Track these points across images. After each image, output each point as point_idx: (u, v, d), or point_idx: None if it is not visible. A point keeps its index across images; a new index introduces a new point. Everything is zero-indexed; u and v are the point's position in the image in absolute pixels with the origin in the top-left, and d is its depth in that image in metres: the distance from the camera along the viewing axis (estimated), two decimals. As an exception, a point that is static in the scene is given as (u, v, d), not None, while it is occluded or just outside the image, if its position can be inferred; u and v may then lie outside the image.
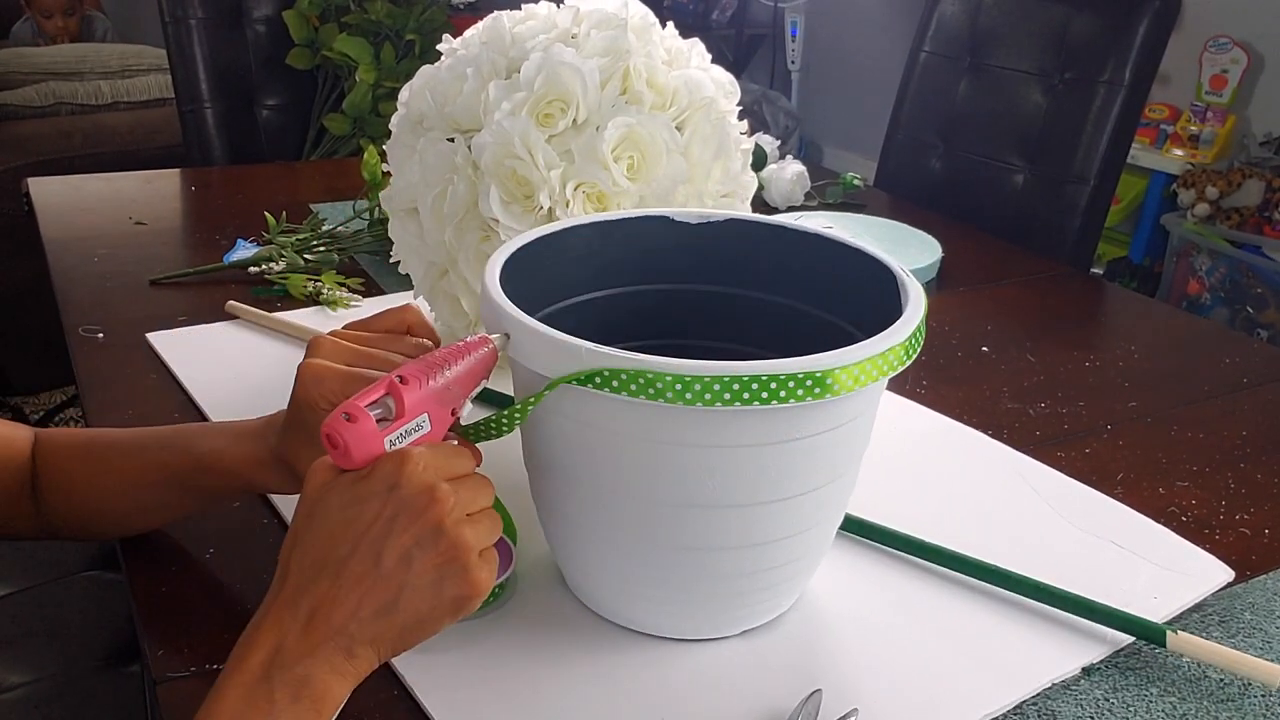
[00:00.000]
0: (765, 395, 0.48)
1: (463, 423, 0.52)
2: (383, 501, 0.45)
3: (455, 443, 0.50)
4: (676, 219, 0.67)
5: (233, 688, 0.44)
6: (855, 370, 0.49)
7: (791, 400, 0.48)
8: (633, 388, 0.48)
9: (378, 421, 0.46)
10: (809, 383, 0.48)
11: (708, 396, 0.47)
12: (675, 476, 0.52)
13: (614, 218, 0.66)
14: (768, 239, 0.66)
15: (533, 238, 0.62)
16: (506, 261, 0.59)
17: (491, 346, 0.51)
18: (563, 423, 0.53)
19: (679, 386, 0.47)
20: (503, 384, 0.77)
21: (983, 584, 0.65)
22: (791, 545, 0.56)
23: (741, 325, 0.67)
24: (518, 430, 0.53)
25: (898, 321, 0.53)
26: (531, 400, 0.50)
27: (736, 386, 0.47)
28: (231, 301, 0.97)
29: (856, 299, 0.62)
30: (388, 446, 0.47)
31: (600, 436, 0.52)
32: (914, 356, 0.53)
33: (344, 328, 0.58)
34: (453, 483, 0.47)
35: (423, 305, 0.84)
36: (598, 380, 0.48)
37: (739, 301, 0.67)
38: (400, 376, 0.47)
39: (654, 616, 0.59)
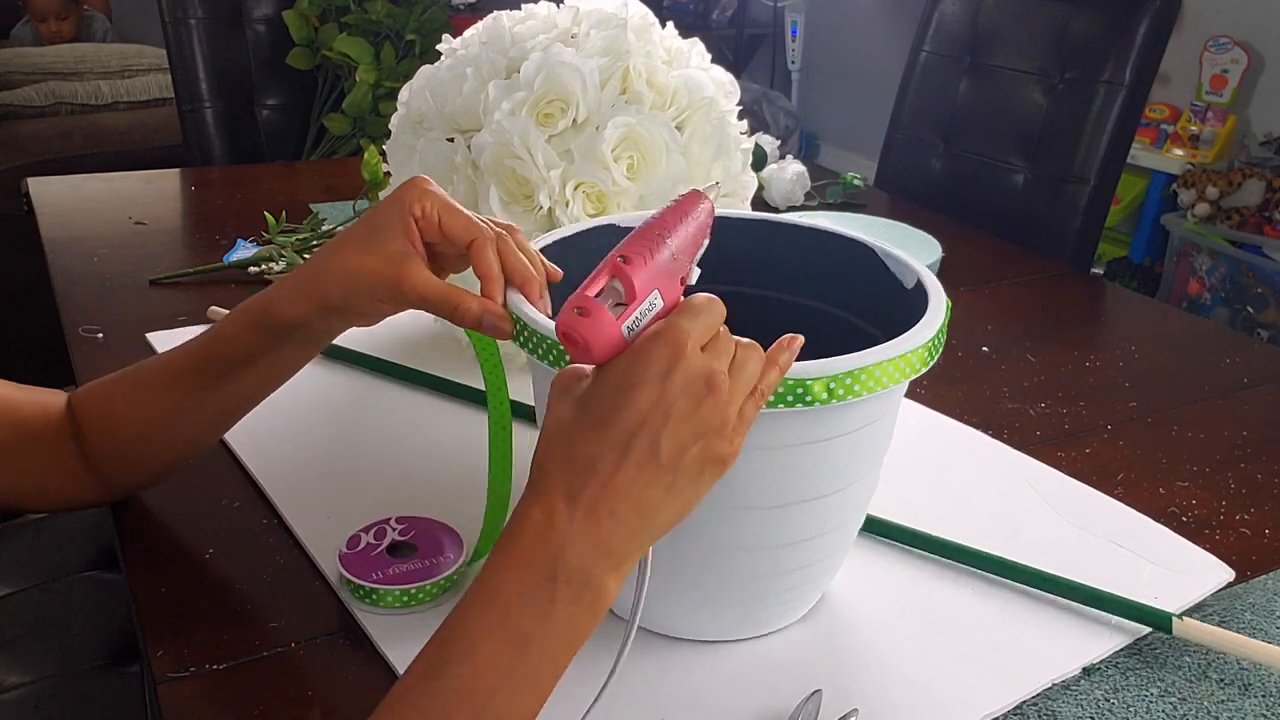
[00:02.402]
0: (791, 399, 0.48)
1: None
2: (657, 390, 0.43)
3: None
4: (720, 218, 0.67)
5: (510, 583, 0.43)
6: (878, 372, 0.49)
7: (831, 401, 0.48)
8: None
9: (611, 308, 0.44)
10: (848, 380, 0.48)
11: None
12: None
13: (638, 220, 0.65)
14: (787, 239, 0.66)
15: (558, 237, 0.62)
16: (544, 248, 0.59)
17: (709, 202, 0.49)
18: None
19: None
20: (518, 389, 0.78)
21: (983, 582, 0.65)
22: (813, 547, 0.56)
23: (763, 326, 0.67)
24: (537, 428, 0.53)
25: (920, 322, 0.53)
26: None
27: (779, 388, 0.47)
28: (213, 307, 0.96)
29: (877, 299, 0.62)
30: (626, 334, 0.44)
31: None
32: (936, 358, 0.53)
33: None
34: (719, 357, 0.45)
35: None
36: None
37: (761, 302, 0.67)
38: (623, 256, 0.45)
39: (676, 618, 0.59)
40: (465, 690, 0.42)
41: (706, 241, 0.49)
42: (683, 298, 0.46)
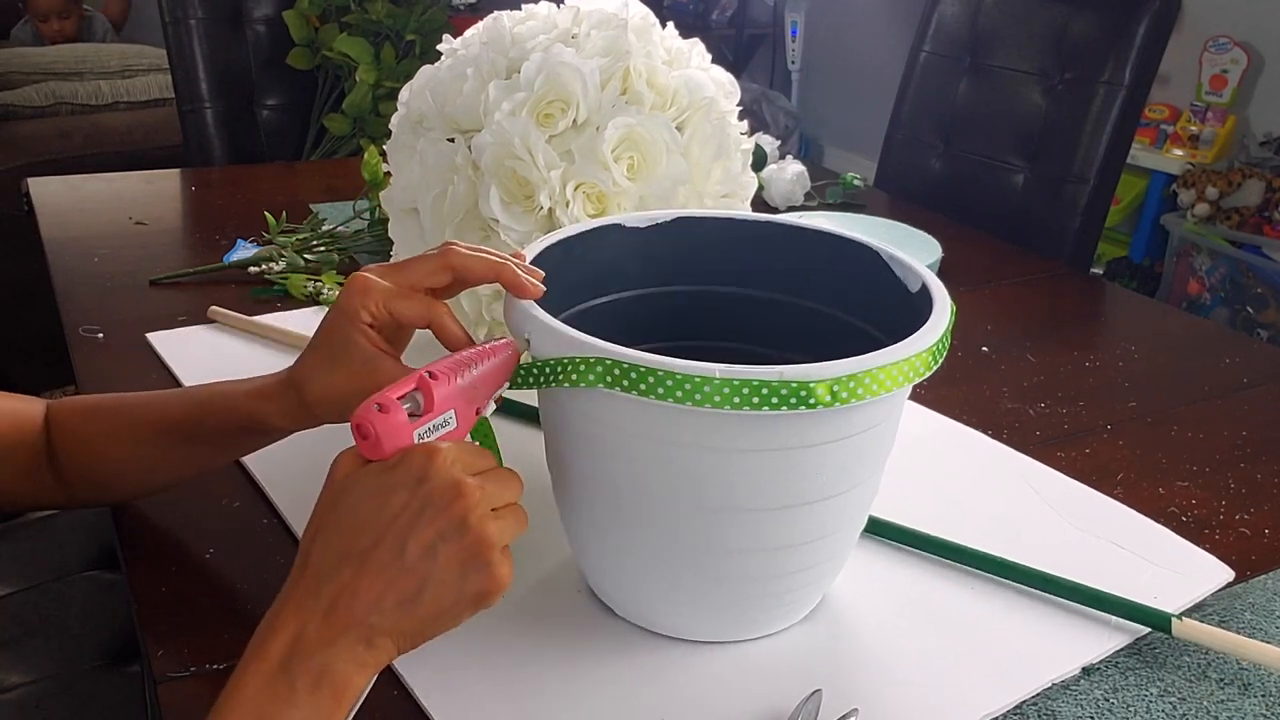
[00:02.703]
0: (794, 401, 0.48)
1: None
2: (410, 493, 0.46)
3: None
4: (705, 219, 0.67)
5: (252, 675, 0.44)
6: (881, 375, 0.49)
7: (834, 404, 0.48)
8: (641, 387, 0.48)
9: (408, 415, 0.47)
10: (852, 384, 0.48)
11: (736, 400, 0.47)
12: (695, 480, 0.52)
13: (645, 220, 0.66)
14: (793, 241, 0.66)
15: (563, 236, 0.62)
16: (546, 250, 0.59)
17: (515, 350, 0.53)
18: (584, 425, 0.53)
19: (688, 386, 0.47)
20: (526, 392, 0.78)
21: (983, 582, 0.65)
22: (815, 550, 0.56)
23: (769, 329, 0.67)
24: (541, 432, 0.53)
25: (924, 327, 0.53)
26: (549, 366, 0.51)
27: (764, 391, 0.47)
28: (214, 306, 0.96)
29: (881, 302, 0.61)
30: (416, 440, 0.47)
31: (620, 439, 0.52)
32: (940, 362, 0.52)
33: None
34: (479, 477, 0.47)
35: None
36: (600, 372, 0.48)
37: (767, 305, 0.67)
38: (430, 372, 0.48)
39: (677, 619, 0.59)
40: None
41: (505, 386, 0.53)
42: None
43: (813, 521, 0.54)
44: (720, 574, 0.55)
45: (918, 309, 0.57)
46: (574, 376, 0.49)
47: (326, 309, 0.98)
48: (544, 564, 0.64)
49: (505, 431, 0.73)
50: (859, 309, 0.64)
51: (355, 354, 0.55)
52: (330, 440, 0.77)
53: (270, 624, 0.46)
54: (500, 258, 0.55)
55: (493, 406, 0.52)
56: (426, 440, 0.48)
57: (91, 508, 0.70)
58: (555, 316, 0.52)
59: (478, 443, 0.52)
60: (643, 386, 0.48)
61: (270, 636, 0.45)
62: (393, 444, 0.47)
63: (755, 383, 0.47)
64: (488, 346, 0.52)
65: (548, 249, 0.60)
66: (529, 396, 0.66)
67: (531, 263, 0.58)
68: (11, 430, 0.64)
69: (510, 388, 0.53)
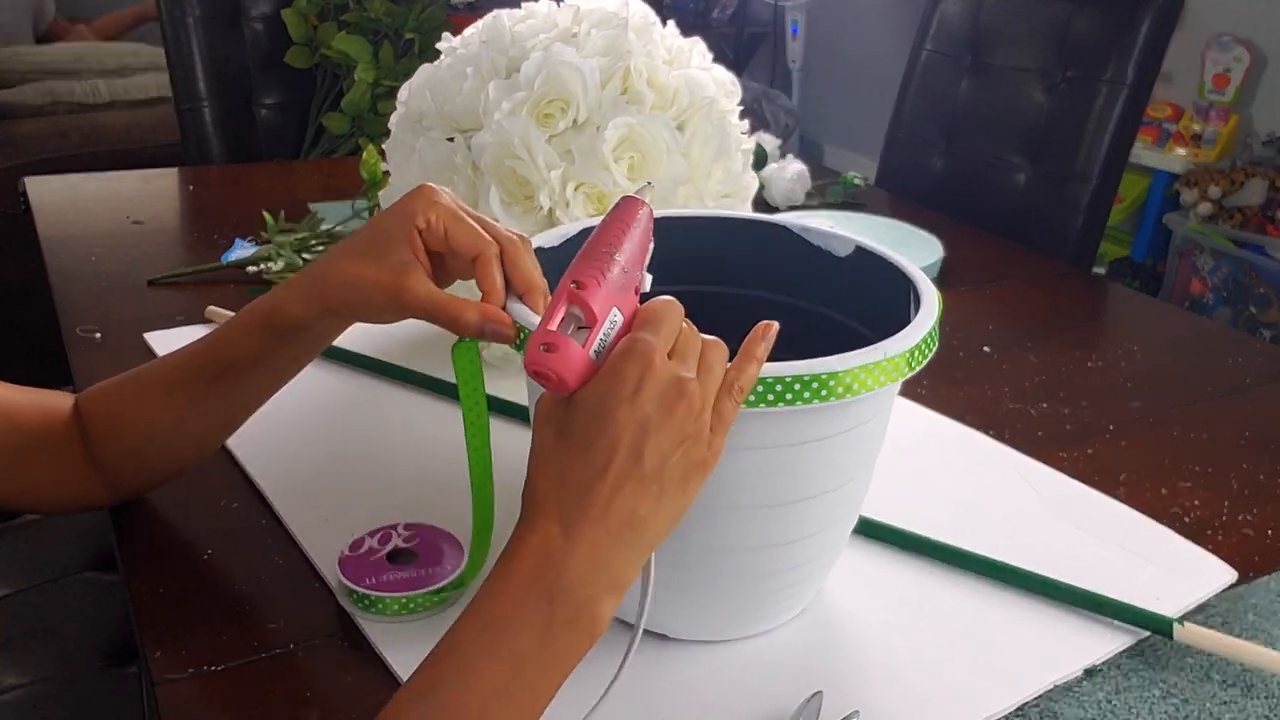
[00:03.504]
0: (771, 397, 0.48)
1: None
2: (630, 406, 0.44)
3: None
4: (697, 219, 0.66)
5: (504, 603, 0.43)
6: (862, 373, 0.49)
7: (798, 403, 0.48)
8: None
9: (574, 334, 0.45)
10: (815, 385, 0.48)
11: None
12: None
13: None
14: (788, 242, 0.66)
15: (570, 234, 0.62)
16: (542, 250, 0.59)
17: (647, 206, 0.50)
18: None
19: None
20: (509, 389, 0.77)
21: (984, 584, 0.65)
22: (806, 546, 0.56)
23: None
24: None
25: (909, 326, 0.53)
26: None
27: (759, 388, 0.47)
28: (211, 306, 0.96)
29: (873, 303, 0.61)
30: (594, 357, 0.45)
31: None
32: (925, 362, 0.53)
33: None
34: (683, 361, 0.46)
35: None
36: None
37: (760, 304, 0.67)
38: (576, 281, 0.46)
39: (670, 618, 0.59)
40: (458, 707, 0.42)
41: (652, 245, 0.50)
42: (641, 304, 0.47)
43: (805, 518, 0.54)
44: (712, 572, 0.55)
45: (907, 308, 0.56)
46: None
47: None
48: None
49: (505, 431, 0.73)
50: (855, 309, 0.64)
51: (392, 250, 0.54)
52: (331, 444, 0.77)
53: (519, 553, 0.44)
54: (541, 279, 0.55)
55: (649, 279, 0.49)
56: (603, 350, 0.46)
57: (137, 495, 0.68)
58: None
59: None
60: None
61: (526, 567, 0.44)
62: (575, 375, 0.45)
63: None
64: (613, 215, 0.48)
65: (539, 249, 0.60)
66: (520, 396, 0.66)
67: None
68: (40, 421, 0.63)
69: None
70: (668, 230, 0.66)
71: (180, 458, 0.66)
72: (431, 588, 0.60)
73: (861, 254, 0.63)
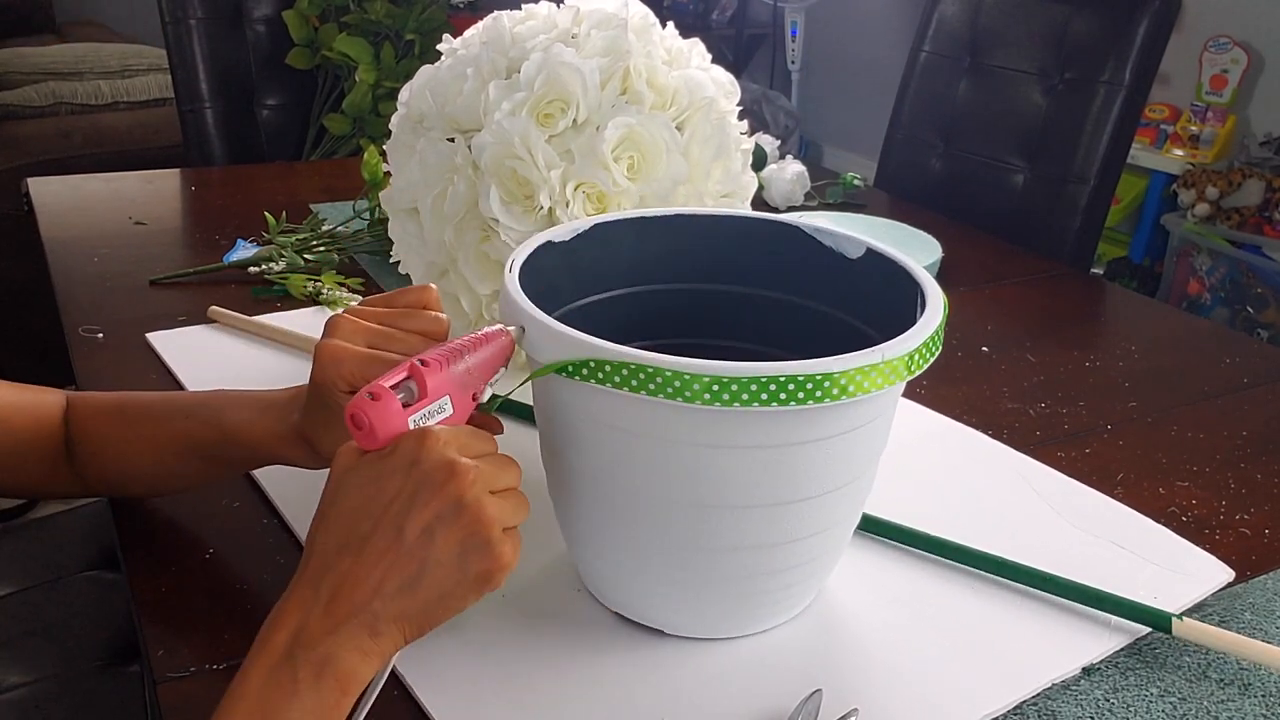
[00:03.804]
0: (765, 396, 0.48)
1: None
2: (404, 477, 0.46)
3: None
4: (709, 217, 0.67)
5: (256, 669, 0.44)
6: (859, 375, 0.49)
7: (792, 402, 0.48)
8: (634, 383, 0.48)
9: (402, 404, 0.47)
10: (809, 385, 0.48)
11: (725, 397, 0.47)
12: (688, 476, 0.52)
13: (649, 215, 0.66)
14: (793, 241, 0.66)
15: (567, 231, 0.63)
16: (537, 250, 0.60)
17: (509, 336, 0.53)
18: (576, 420, 0.53)
19: (678, 384, 0.47)
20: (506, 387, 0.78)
21: (983, 582, 0.65)
22: (808, 546, 0.56)
23: (768, 327, 0.67)
24: (534, 429, 0.53)
25: (914, 326, 0.53)
26: (529, 377, 0.52)
27: (754, 387, 0.47)
28: (214, 306, 0.96)
29: (878, 302, 0.62)
30: (411, 426, 0.47)
31: (615, 436, 0.52)
32: (929, 362, 0.53)
33: (361, 303, 0.58)
34: (475, 459, 0.47)
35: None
36: (592, 369, 0.49)
37: (765, 303, 0.67)
38: (422, 360, 0.48)
39: (670, 614, 0.59)
40: None
41: (502, 371, 0.52)
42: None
43: (807, 518, 0.54)
44: (715, 570, 0.55)
45: (912, 309, 0.57)
46: (568, 370, 0.50)
47: (325, 309, 0.99)
48: (540, 561, 0.64)
49: (508, 431, 0.73)
50: (860, 309, 0.64)
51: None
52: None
53: (274, 618, 0.46)
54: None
55: (489, 393, 0.52)
56: (422, 426, 0.48)
57: (105, 496, 0.70)
58: (550, 314, 0.52)
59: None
60: (634, 383, 0.48)
61: (274, 630, 0.45)
62: (387, 432, 0.47)
63: (748, 380, 0.47)
64: (481, 334, 0.52)
65: (540, 247, 0.61)
66: (523, 395, 0.66)
67: (527, 259, 0.58)
68: (32, 423, 0.64)
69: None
70: (679, 228, 0.67)
71: (157, 493, 0.69)
72: None
73: (872, 256, 0.63)
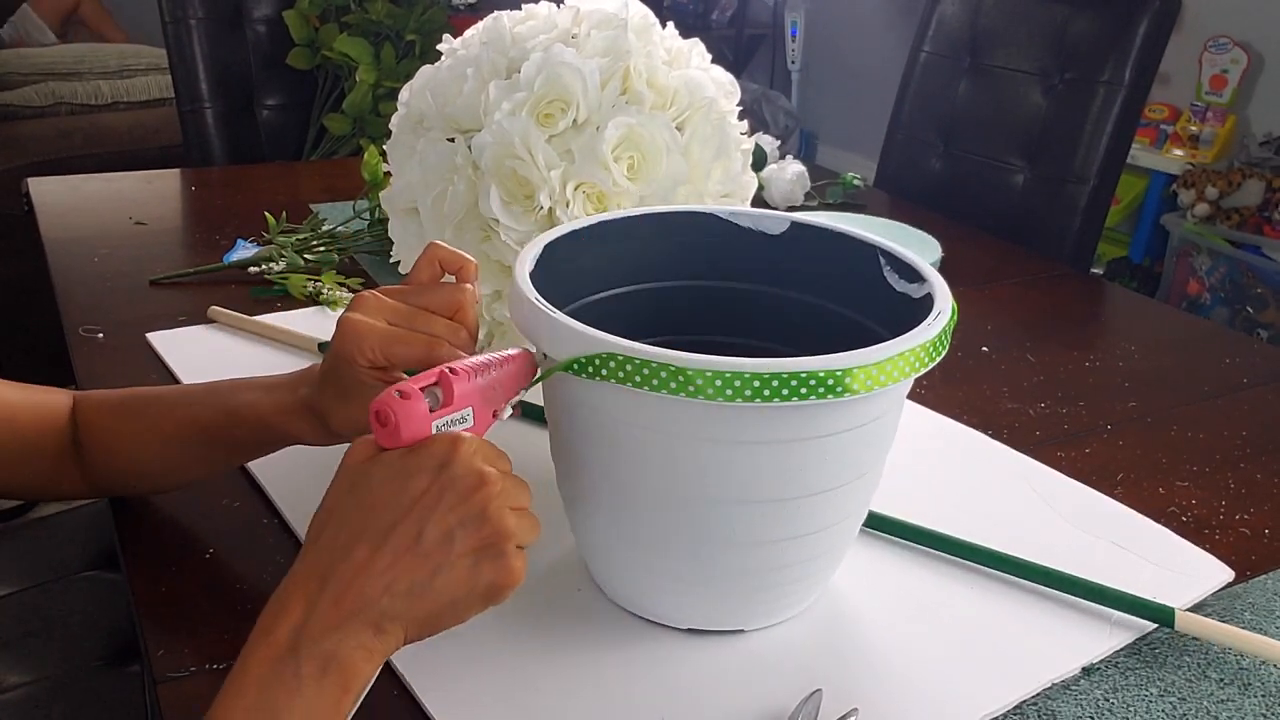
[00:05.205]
0: (767, 393, 0.48)
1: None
2: (432, 478, 0.45)
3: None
4: (720, 216, 0.67)
5: (256, 661, 0.44)
6: (874, 370, 0.49)
7: (794, 398, 0.48)
8: (647, 380, 0.48)
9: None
10: (812, 382, 0.48)
11: (729, 392, 0.48)
12: (696, 471, 0.52)
13: (658, 212, 0.67)
14: (802, 238, 0.67)
15: (575, 228, 0.63)
16: (551, 244, 0.60)
17: (531, 360, 0.54)
18: (587, 416, 0.54)
19: (692, 380, 0.48)
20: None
21: (983, 582, 0.65)
22: (814, 542, 0.56)
23: (772, 324, 0.68)
24: (542, 429, 0.54)
25: (922, 324, 0.53)
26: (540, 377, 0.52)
27: (768, 383, 0.48)
28: (214, 306, 0.96)
29: (886, 300, 0.62)
30: (433, 431, 0.47)
31: (625, 431, 0.53)
32: (937, 359, 0.53)
33: (389, 288, 0.58)
34: (500, 474, 0.47)
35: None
36: (597, 365, 0.49)
37: (774, 300, 0.68)
38: (450, 368, 0.48)
39: (676, 608, 0.59)
40: None
41: (522, 394, 0.53)
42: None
43: (815, 513, 0.55)
44: (722, 565, 0.56)
45: (919, 305, 0.57)
46: (575, 367, 0.50)
47: (325, 309, 0.99)
48: (545, 557, 0.64)
49: (507, 429, 0.73)
50: (868, 306, 0.64)
51: (364, 390, 0.55)
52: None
53: (275, 608, 0.45)
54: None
55: (509, 412, 0.52)
56: (444, 432, 0.48)
57: (111, 496, 0.70)
58: (560, 310, 0.53)
59: None
60: (640, 377, 0.48)
61: (275, 621, 0.44)
62: (411, 432, 0.46)
63: (761, 376, 0.47)
64: (506, 355, 0.52)
65: (545, 247, 0.61)
66: (533, 395, 0.66)
67: (551, 244, 0.60)
68: (37, 424, 0.64)
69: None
70: (702, 226, 0.67)
71: (165, 487, 0.69)
72: None
73: (874, 250, 0.64)
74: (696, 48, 0.86)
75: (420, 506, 0.45)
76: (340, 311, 0.95)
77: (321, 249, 1.10)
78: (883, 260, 0.63)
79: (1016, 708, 0.56)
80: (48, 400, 0.65)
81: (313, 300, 1.01)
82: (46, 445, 0.64)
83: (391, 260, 0.90)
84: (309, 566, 0.45)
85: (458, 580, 0.46)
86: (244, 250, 1.10)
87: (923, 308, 0.56)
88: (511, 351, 0.53)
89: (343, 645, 0.44)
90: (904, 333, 0.52)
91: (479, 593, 0.46)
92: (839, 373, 0.48)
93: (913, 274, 0.60)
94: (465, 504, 0.45)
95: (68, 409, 0.66)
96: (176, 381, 0.85)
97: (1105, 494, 0.76)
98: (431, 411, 0.47)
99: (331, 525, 0.46)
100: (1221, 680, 0.58)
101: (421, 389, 0.47)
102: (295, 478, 0.72)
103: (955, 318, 0.56)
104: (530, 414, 0.79)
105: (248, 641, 0.45)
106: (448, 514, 0.45)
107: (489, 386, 0.50)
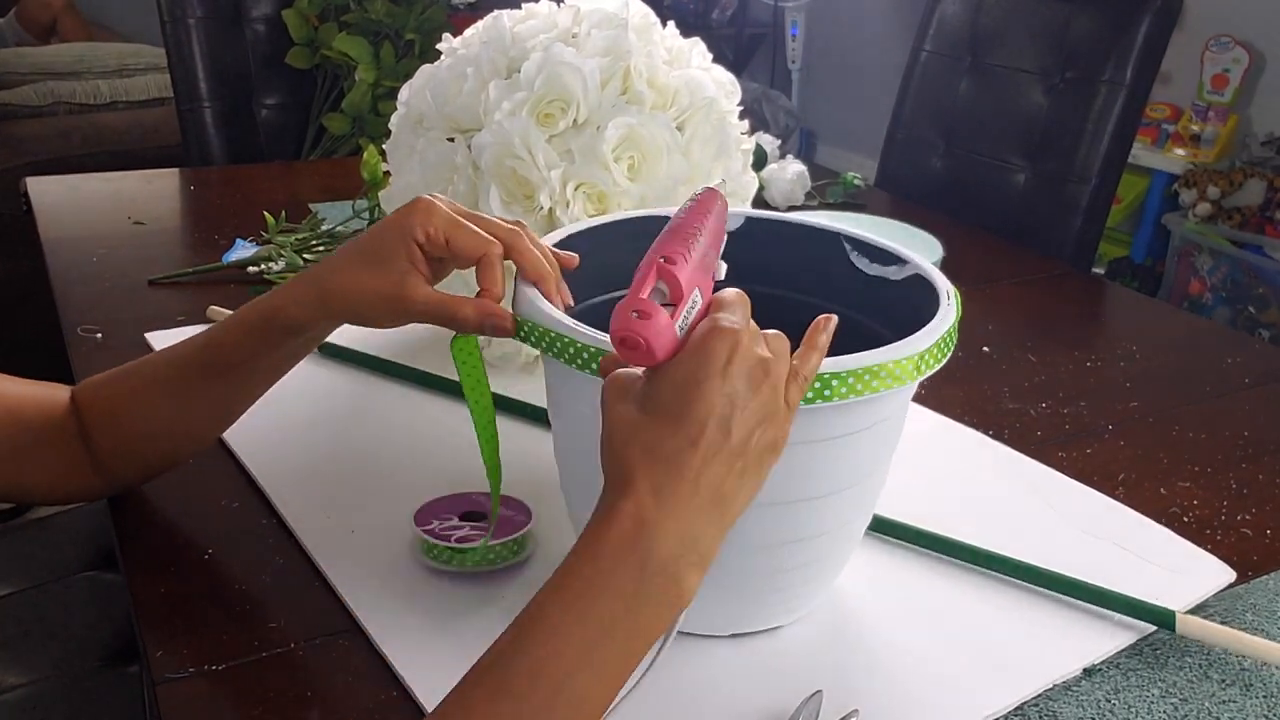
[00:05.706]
0: (810, 395, 0.48)
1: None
2: (721, 380, 0.44)
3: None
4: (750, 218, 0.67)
5: (600, 573, 0.43)
6: (881, 372, 0.49)
7: (819, 400, 0.48)
8: None
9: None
10: (836, 383, 0.48)
11: None
12: None
13: (653, 214, 0.66)
14: (802, 239, 0.66)
15: (584, 227, 0.63)
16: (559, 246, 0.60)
17: (724, 200, 0.50)
18: (593, 418, 0.53)
19: None
20: (524, 390, 0.77)
21: (983, 583, 0.65)
22: (818, 545, 0.56)
23: (775, 325, 0.67)
24: (546, 432, 0.53)
25: (928, 325, 0.53)
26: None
27: None
28: (213, 306, 0.96)
29: (890, 301, 0.62)
30: (678, 333, 0.45)
31: None
32: (942, 362, 0.53)
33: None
34: (774, 356, 0.46)
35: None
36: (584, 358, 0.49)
37: (777, 301, 0.67)
38: (665, 257, 0.45)
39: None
40: (543, 671, 0.42)
41: (725, 237, 0.50)
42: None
43: (817, 516, 0.55)
44: (724, 568, 0.55)
45: (923, 305, 0.57)
46: (578, 363, 0.50)
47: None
48: (549, 558, 0.64)
49: (510, 431, 0.73)
50: (871, 308, 0.64)
51: (394, 263, 0.56)
52: (332, 443, 0.77)
53: (612, 521, 0.44)
54: (550, 263, 0.56)
55: (723, 270, 0.49)
56: (684, 329, 0.45)
57: (135, 486, 0.69)
58: (583, 302, 0.53)
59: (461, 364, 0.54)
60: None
61: (619, 536, 0.43)
62: (664, 346, 0.44)
63: None
64: (694, 204, 0.48)
65: (562, 241, 0.61)
66: (535, 396, 0.66)
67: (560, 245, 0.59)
68: (38, 414, 0.64)
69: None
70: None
71: (177, 451, 0.67)
72: (517, 534, 0.62)
73: (877, 251, 0.64)
74: (697, 47, 0.85)
75: (721, 409, 0.44)
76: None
77: (321, 248, 1.10)
78: (847, 246, 0.63)
79: (1018, 709, 0.56)
80: (50, 393, 0.65)
81: (312, 300, 1.01)
82: (53, 436, 0.64)
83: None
84: (638, 482, 0.44)
85: (756, 467, 0.46)
86: (243, 250, 1.10)
87: (913, 290, 0.56)
88: (697, 196, 0.48)
89: (684, 560, 0.44)
90: (883, 316, 0.52)
91: (766, 466, 0.46)
92: (853, 373, 0.48)
93: (887, 257, 0.60)
94: (756, 399, 0.45)
95: (66, 400, 0.66)
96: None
97: (1106, 494, 0.75)
98: (666, 309, 0.44)
99: (641, 442, 0.44)
100: (1223, 681, 0.58)
101: (646, 297, 0.44)
102: (295, 479, 0.72)
103: (960, 311, 0.56)
104: (533, 415, 0.79)
105: (574, 554, 0.44)
106: (745, 412, 0.44)
107: (703, 254, 0.47)
